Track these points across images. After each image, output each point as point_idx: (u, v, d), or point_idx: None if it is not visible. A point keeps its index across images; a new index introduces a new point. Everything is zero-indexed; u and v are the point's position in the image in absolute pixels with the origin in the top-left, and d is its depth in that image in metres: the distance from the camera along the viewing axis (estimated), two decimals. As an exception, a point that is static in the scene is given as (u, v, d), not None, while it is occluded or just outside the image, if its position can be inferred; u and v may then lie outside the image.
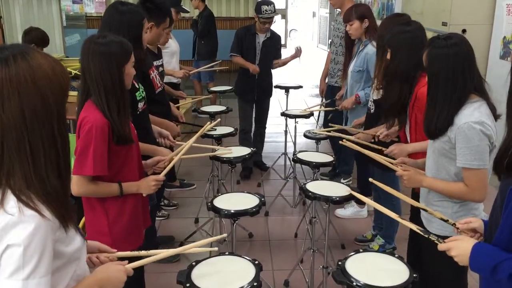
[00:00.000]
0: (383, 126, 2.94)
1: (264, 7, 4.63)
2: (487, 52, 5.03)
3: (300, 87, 5.14)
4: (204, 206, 4.01)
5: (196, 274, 1.87)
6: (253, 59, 4.85)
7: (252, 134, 5.22)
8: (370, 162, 3.41)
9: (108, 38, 2.04)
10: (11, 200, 1.15)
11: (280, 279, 3.29)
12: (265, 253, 3.64)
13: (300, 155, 3.50)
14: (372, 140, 2.99)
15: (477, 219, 1.75)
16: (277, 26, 14.17)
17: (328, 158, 3.47)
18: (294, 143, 4.73)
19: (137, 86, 2.59)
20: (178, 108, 3.89)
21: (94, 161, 1.97)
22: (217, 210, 2.58)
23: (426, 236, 1.77)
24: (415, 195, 2.47)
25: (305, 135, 4.28)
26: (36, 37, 4.76)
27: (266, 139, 5.43)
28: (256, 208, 2.58)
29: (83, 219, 2.23)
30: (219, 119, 3.65)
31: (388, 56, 2.67)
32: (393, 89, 2.63)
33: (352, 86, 3.82)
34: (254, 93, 4.96)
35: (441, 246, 1.66)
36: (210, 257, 2.03)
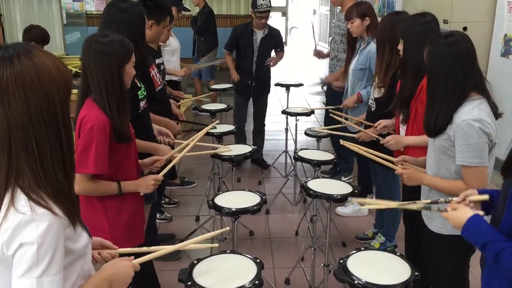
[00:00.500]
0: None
1: (260, 1, 4.64)
2: (488, 50, 5.03)
3: (301, 85, 5.14)
4: (204, 204, 4.01)
5: (198, 272, 1.88)
6: (250, 56, 4.87)
7: (251, 131, 5.24)
8: (371, 159, 3.42)
9: (109, 37, 2.04)
10: (21, 199, 1.16)
11: (281, 277, 3.29)
12: (266, 251, 3.64)
13: (301, 153, 3.50)
14: (375, 139, 2.99)
15: (473, 190, 1.75)
16: (277, 23, 14.21)
17: (329, 156, 3.47)
18: (295, 141, 4.73)
19: (139, 85, 2.58)
20: (178, 106, 3.88)
21: (96, 159, 1.97)
22: (218, 208, 2.58)
23: (430, 210, 1.80)
24: (409, 190, 2.46)
25: (306, 133, 4.28)
26: (37, 35, 4.75)
27: (266, 137, 5.43)
28: (257, 206, 2.58)
29: None
30: (217, 121, 3.65)
31: (400, 47, 2.65)
32: (408, 81, 2.61)
33: (354, 84, 3.81)
34: (250, 90, 4.98)
35: (443, 214, 1.70)
36: (211, 255, 2.03)
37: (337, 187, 2.87)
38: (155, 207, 3.41)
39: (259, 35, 4.84)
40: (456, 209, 1.65)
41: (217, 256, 2.05)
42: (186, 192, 4.65)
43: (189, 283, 1.80)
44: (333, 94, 4.52)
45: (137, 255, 1.59)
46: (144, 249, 1.73)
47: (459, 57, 1.97)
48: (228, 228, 2.16)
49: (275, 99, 7.63)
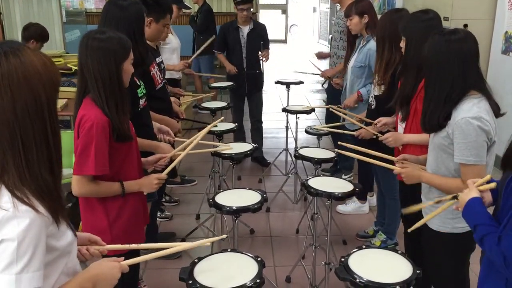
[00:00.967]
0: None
1: None
2: (489, 47, 5.02)
3: (301, 82, 5.13)
4: (205, 202, 4.01)
5: (199, 271, 1.87)
6: (239, 53, 4.91)
7: (249, 129, 5.24)
8: (371, 157, 3.41)
9: (107, 34, 2.01)
10: (5, 196, 1.17)
11: (282, 275, 3.29)
12: (266, 249, 3.64)
13: (302, 151, 3.50)
14: (374, 135, 2.99)
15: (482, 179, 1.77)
16: (277, 21, 14.20)
17: (330, 154, 3.47)
18: (296, 139, 4.72)
19: (138, 83, 2.57)
20: (179, 104, 3.88)
21: (96, 160, 1.94)
22: (219, 207, 2.58)
23: (441, 201, 1.84)
24: (408, 188, 2.46)
25: (306, 131, 4.28)
26: (35, 33, 4.74)
27: (267, 135, 5.43)
28: (258, 205, 2.57)
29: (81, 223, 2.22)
30: (222, 117, 3.63)
31: (402, 45, 2.64)
32: (409, 79, 2.60)
33: (353, 82, 3.80)
34: (244, 87, 5.00)
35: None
36: (212, 254, 2.02)
37: (338, 185, 2.87)
38: (155, 206, 3.40)
39: (245, 30, 4.88)
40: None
41: (218, 254, 2.05)
42: (187, 191, 4.65)
43: (190, 281, 1.79)
44: (333, 92, 4.52)
45: (127, 256, 1.58)
46: (133, 246, 1.73)
47: (457, 55, 1.95)
48: (225, 236, 2.12)
49: (275, 97, 7.63)
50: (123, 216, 2.14)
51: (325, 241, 2.94)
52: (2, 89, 1.15)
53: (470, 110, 1.93)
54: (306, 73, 5.12)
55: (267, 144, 5.46)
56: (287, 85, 5.01)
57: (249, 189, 2.81)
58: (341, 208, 4.20)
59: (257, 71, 5.06)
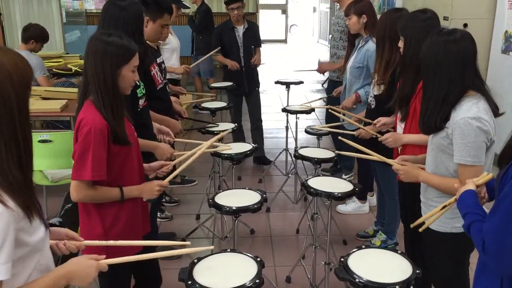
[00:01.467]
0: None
1: None
2: (489, 46, 5.01)
3: (301, 82, 5.13)
4: (205, 203, 4.01)
5: (198, 272, 1.87)
6: (237, 52, 4.94)
7: (249, 129, 5.25)
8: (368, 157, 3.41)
9: (111, 37, 1.98)
10: None
11: (282, 275, 3.29)
12: (266, 249, 3.64)
13: (302, 151, 3.50)
14: (374, 136, 2.99)
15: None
16: (277, 21, 14.20)
17: (330, 154, 3.47)
18: (295, 139, 4.72)
19: (138, 83, 2.57)
20: (180, 103, 3.87)
21: (93, 165, 1.92)
22: (218, 207, 2.58)
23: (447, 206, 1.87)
24: (408, 188, 2.46)
25: (306, 131, 4.28)
26: (35, 33, 4.74)
27: (267, 135, 5.42)
28: (257, 205, 2.57)
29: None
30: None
31: (400, 45, 2.64)
32: (408, 79, 2.59)
33: (351, 82, 3.81)
34: (244, 87, 5.02)
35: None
36: (211, 254, 2.02)
37: (338, 185, 2.87)
38: (155, 206, 3.40)
39: (240, 30, 4.92)
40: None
41: (218, 255, 2.04)
42: (187, 191, 4.65)
43: (189, 282, 1.79)
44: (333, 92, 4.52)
45: (109, 254, 1.59)
46: (111, 242, 1.75)
47: (454, 56, 1.95)
48: (212, 247, 2.05)
49: (275, 97, 7.63)
50: (118, 224, 2.09)
51: (325, 241, 2.94)
52: None
53: (469, 110, 1.92)
54: (303, 70, 5.13)
55: (267, 144, 5.46)
56: (287, 85, 5.01)
57: (249, 189, 2.81)
58: (341, 208, 4.20)
59: (254, 70, 5.10)
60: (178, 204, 4.37)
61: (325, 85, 4.99)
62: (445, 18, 5.07)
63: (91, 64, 1.95)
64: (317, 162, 3.35)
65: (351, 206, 4.19)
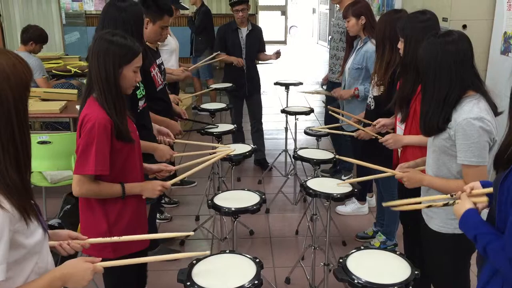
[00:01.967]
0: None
1: None
2: (488, 47, 5.01)
3: (300, 83, 5.13)
4: (204, 204, 4.01)
5: (197, 273, 1.87)
6: (239, 53, 4.92)
7: (249, 131, 5.24)
8: (370, 158, 3.41)
9: (115, 36, 2.02)
10: None
11: (281, 276, 3.29)
12: (266, 250, 3.64)
13: (301, 152, 3.50)
14: (374, 137, 2.99)
15: (476, 183, 1.76)
16: (277, 22, 14.21)
17: (329, 155, 3.47)
18: (295, 140, 4.72)
19: (138, 85, 2.57)
20: (177, 103, 3.87)
21: (96, 160, 1.94)
22: (218, 208, 2.57)
23: (440, 205, 1.83)
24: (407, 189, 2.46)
25: (305, 132, 4.28)
26: (34, 34, 4.75)
27: (266, 136, 5.42)
28: (257, 206, 2.57)
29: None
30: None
31: (400, 46, 2.64)
32: (409, 80, 2.59)
33: (350, 83, 3.80)
34: (245, 89, 5.00)
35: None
36: (211, 255, 2.02)
37: (337, 186, 2.86)
38: (155, 207, 3.40)
39: (244, 32, 4.90)
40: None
41: (217, 256, 2.04)
42: (186, 192, 4.65)
43: (188, 283, 1.79)
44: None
45: (115, 251, 1.59)
46: (115, 239, 1.75)
47: (453, 57, 1.95)
48: (208, 252, 1.98)
49: (275, 98, 7.63)
50: (122, 220, 2.12)
51: (324, 242, 2.94)
52: None
53: (471, 110, 1.93)
54: (310, 92, 5.14)
55: (267, 145, 5.46)
56: (286, 86, 5.01)
57: (248, 190, 2.81)
58: (340, 209, 4.20)
59: (256, 72, 5.09)
60: (178, 205, 4.37)
61: (324, 87, 4.99)
62: (444, 19, 5.08)
63: (94, 62, 1.99)
64: (316, 163, 3.35)
65: (351, 207, 4.19)
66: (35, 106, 4.12)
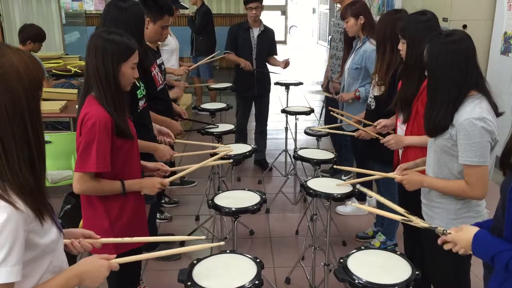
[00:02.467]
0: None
1: None
2: (488, 47, 5.02)
3: (300, 83, 5.13)
4: (204, 204, 4.01)
5: (198, 273, 1.87)
6: (249, 54, 4.85)
7: (252, 132, 5.22)
8: (370, 158, 3.41)
9: (112, 34, 2.03)
10: None
11: (281, 276, 3.29)
12: (266, 250, 3.64)
13: (301, 152, 3.50)
14: (374, 137, 2.99)
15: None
16: (277, 22, 14.21)
17: (329, 155, 3.47)
18: (295, 140, 4.72)
19: (138, 84, 2.57)
20: (175, 100, 3.87)
21: (97, 157, 1.96)
22: (218, 208, 2.57)
23: (434, 229, 1.77)
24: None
25: (305, 132, 4.28)
26: (31, 33, 4.74)
27: (267, 136, 5.42)
28: (257, 206, 2.57)
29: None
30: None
31: (400, 47, 2.63)
32: (412, 81, 2.59)
33: (350, 84, 3.80)
34: (254, 90, 4.95)
35: (447, 245, 1.70)
36: (211, 255, 2.02)
37: (337, 186, 2.86)
38: (155, 207, 3.40)
39: (255, 32, 4.85)
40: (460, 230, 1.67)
41: (217, 256, 2.04)
42: (186, 192, 4.65)
43: (189, 283, 1.79)
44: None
45: (129, 255, 1.59)
46: (127, 239, 1.75)
47: (459, 56, 1.96)
48: (223, 243, 2.05)
49: (275, 98, 7.62)
50: (124, 216, 2.14)
51: (324, 242, 2.94)
52: None
53: (473, 111, 1.93)
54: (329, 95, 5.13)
55: (267, 145, 5.46)
56: (287, 86, 5.01)
57: (248, 190, 2.81)
58: (340, 209, 4.20)
59: (266, 73, 5.00)
60: (178, 205, 4.37)
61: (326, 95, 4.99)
62: (444, 19, 5.08)
63: (92, 60, 1.99)
64: (316, 163, 3.35)
65: (350, 207, 4.18)
66: (35, 106, 4.11)
